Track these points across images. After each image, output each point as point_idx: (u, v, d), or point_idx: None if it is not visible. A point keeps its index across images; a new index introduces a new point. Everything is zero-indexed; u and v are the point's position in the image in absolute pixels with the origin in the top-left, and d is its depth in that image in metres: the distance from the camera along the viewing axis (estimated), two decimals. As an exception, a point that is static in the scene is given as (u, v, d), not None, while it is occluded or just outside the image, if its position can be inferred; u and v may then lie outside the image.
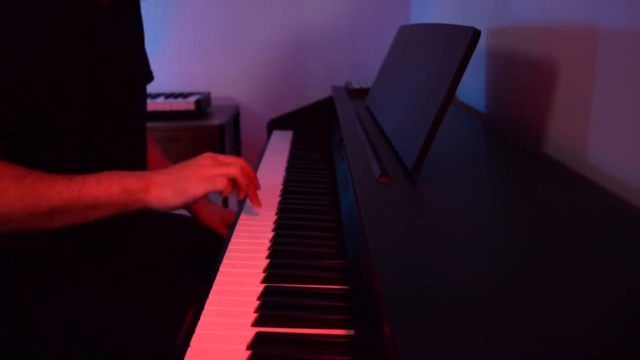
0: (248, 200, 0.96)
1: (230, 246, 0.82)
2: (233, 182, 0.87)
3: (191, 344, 0.58)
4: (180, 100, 2.04)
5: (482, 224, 0.63)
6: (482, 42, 1.26)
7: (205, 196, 0.85)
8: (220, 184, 0.84)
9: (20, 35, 0.81)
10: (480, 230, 0.61)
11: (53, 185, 0.79)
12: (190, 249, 1.06)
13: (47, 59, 0.83)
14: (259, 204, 0.93)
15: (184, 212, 1.16)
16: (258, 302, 0.66)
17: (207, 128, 1.96)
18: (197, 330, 0.61)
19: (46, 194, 0.78)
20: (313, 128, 1.68)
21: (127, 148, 1.02)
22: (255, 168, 1.28)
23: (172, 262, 0.99)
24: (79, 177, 0.81)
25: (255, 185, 0.92)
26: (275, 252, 0.79)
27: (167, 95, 2.12)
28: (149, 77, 1.18)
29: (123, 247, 0.95)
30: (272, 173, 1.22)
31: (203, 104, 2.06)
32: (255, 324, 0.62)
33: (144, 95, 1.10)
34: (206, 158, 0.87)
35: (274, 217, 0.93)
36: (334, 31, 2.26)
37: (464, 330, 0.41)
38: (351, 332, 0.61)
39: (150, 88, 1.20)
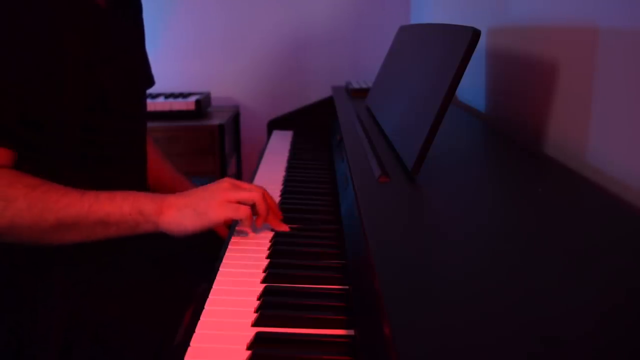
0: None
1: (230, 246, 0.82)
2: (253, 209, 0.83)
3: (191, 343, 0.58)
4: (180, 100, 2.04)
5: (482, 224, 0.63)
6: (482, 42, 1.26)
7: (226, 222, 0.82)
8: (243, 213, 0.81)
9: (20, 36, 0.81)
10: (480, 230, 0.61)
11: (64, 198, 0.78)
12: (190, 248, 1.06)
13: (46, 60, 0.83)
14: (285, 228, 0.86)
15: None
16: (258, 302, 0.66)
17: (207, 128, 1.96)
18: (197, 330, 0.61)
19: (56, 206, 0.77)
20: (313, 128, 1.68)
21: (127, 148, 1.02)
22: (255, 168, 1.28)
23: (171, 261, 0.99)
24: (92, 193, 0.80)
25: (276, 213, 0.88)
26: (275, 252, 0.79)
27: (167, 95, 2.11)
28: (150, 82, 1.18)
29: (122, 247, 0.94)
30: (272, 173, 1.22)
31: (203, 104, 2.06)
32: (255, 324, 0.62)
33: (143, 97, 1.10)
34: (226, 182, 0.84)
35: (274, 217, 0.93)
36: (334, 31, 2.26)
37: (464, 330, 0.41)
38: (351, 332, 0.60)
39: (150, 88, 1.20)
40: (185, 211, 0.81)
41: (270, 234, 0.86)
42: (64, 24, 0.85)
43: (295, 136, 1.63)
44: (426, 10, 2.00)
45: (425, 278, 0.50)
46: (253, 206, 0.84)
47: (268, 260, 0.77)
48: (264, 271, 0.74)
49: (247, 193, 0.83)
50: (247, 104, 2.34)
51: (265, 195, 0.85)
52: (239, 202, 0.82)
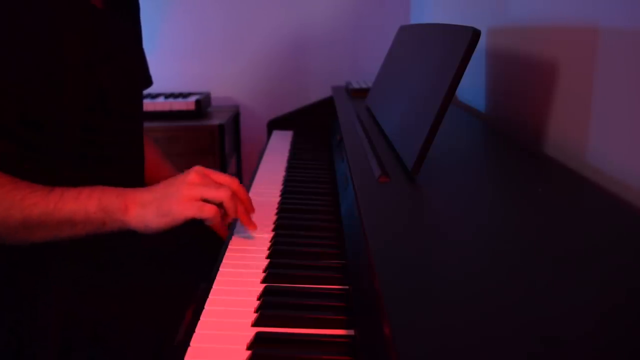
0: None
1: (230, 246, 0.82)
2: (221, 206, 0.79)
3: (191, 343, 0.58)
4: (180, 100, 2.04)
5: (482, 224, 0.63)
6: (482, 42, 1.26)
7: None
8: (208, 212, 0.77)
9: (20, 36, 0.81)
10: (480, 230, 0.61)
11: (30, 196, 0.77)
12: (189, 248, 1.06)
13: (46, 60, 0.83)
14: (253, 227, 0.83)
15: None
16: (258, 302, 0.66)
17: (207, 128, 1.96)
18: (197, 330, 0.61)
19: (22, 203, 0.76)
20: (313, 128, 1.68)
21: (126, 148, 1.02)
22: (255, 168, 1.28)
23: (171, 261, 0.99)
24: (59, 190, 0.78)
25: (247, 208, 0.83)
26: (275, 252, 0.79)
27: (167, 95, 2.12)
28: (148, 82, 1.18)
29: (122, 246, 0.95)
30: (272, 173, 1.22)
31: (203, 104, 2.06)
32: (255, 324, 0.62)
33: (141, 96, 1.11)
34: (195, 174, 0.79)
35: (274, 217, 0.93)
36: (334, 31, 2.26)
37: (464, 330, 0.41)
38: (351, 332, 0.60)
39: (150, 88, 1.20)
40: (148, 208, 0.77)
41: (271, 234, 0.86)
42: (63, 24, 0.85)
43: (295, 136, 1.63)
44: (426, 10, 2.00)
45: (425, 278, 0.50)
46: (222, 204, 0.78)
47: (268, 260, 0.77)
48: (264, 271, 0.74)
49: (214, 191, 0.77)
50: (247, 104, 2.34)
51: (237, 190, 0.80)
52: (206, 200, 0.78)
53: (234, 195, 0.79)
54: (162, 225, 0.78)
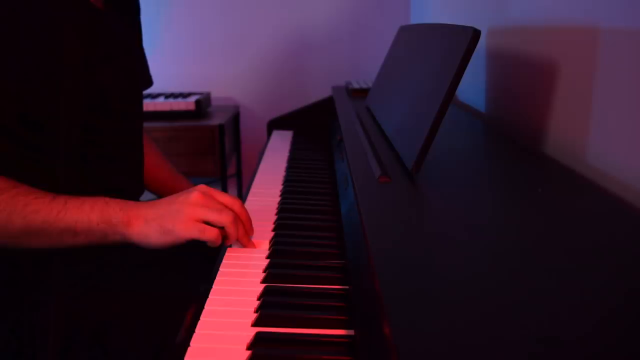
0: (247, 200, 0.95)
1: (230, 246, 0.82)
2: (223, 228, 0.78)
3: (191, 343, 0.58)
4: (180, 100, 2.04)
5: (482, 224, 0.63)
6: (482, 42, 1.26)
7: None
8: (210, 235, 0.77)
9: (20, 36, 0.81)
10: (480, 231, 0.61)
11: (33, 203, 0.76)
12: (190, 249, 1.05)
13: (46, 59, 0.83)
14: (252, 247, 0.82)
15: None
16: (258, 302, 0.66)
17: (207, 128, 1.96)
18: (197, 330, 0.61)
19: (24, 210, 0.76)
20: (313, 128, 1.68)
21: (126, 148, 1.02)
22: (255, 168, 1.28)
23: (172, 261, 0.99)
24: (62, 198, 0.78)
25: (248, 230, 0.82)
26: (275, 252, 0.79)
27: (167, 95, 2.11)
28: (149, 82, 1.18)
29: (123, 246, 0.94)
30: (272, 173, 1.22)
31: (203, 104, 2.06)
32: (255, 324, 0.62)
33: (141, 97, 1.11)
34: (199, 194, 0.78)
35: (274, 217, 0.93)
36: (334, 31, 2.26)
37: (464, 330, 0.41)
38: (351, 332, 0.60)
39: (151, 88, 1.20)
40: (151, 225, 0.77)
41: (271, 234, 0.86)
42: (63, 24, 0.85)
43: (295, 136, 1.63)
44: (426, 10, 2.00)
45: (425, 278, 0.50)
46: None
47: (268, 260, 0.77)
48: (264, 271, 0.74)
49: (217, 215, 0.77)
50: (247, 104, 2.34)
51: (239, 213, 0.80)
52: (208, 222, 0.77)
53: (236, 218, 0.79)
54: (163, 242, 0.78)
